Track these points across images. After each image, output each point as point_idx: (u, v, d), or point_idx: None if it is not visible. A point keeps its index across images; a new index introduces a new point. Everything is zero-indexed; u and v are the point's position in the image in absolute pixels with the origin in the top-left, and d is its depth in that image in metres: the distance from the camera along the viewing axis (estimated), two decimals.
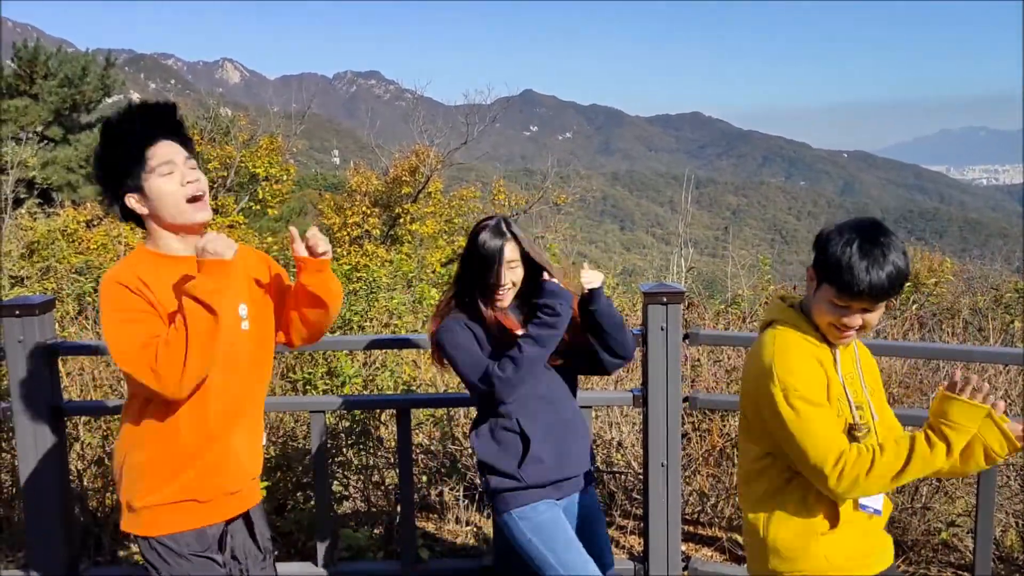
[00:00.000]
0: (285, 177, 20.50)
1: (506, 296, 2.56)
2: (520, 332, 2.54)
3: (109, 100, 24.05)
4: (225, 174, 18.72)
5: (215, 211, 16.57)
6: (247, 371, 2.25)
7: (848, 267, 1.92)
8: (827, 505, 2.07)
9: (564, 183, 25.11)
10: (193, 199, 2.13)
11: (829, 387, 2.04)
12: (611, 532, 4.18)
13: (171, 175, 2.12)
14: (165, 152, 2.13)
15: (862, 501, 2.08)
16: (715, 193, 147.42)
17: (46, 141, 21.05)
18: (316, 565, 3.50)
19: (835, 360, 2.07)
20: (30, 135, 20.24)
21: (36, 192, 17.92)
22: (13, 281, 8.17)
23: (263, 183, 19.71)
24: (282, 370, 4.98)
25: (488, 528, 4.08)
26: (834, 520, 2.07)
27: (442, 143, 22.15)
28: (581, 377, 5.08)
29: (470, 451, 4.33)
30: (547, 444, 2.53)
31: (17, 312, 3.23)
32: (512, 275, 2.54)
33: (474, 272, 2.54)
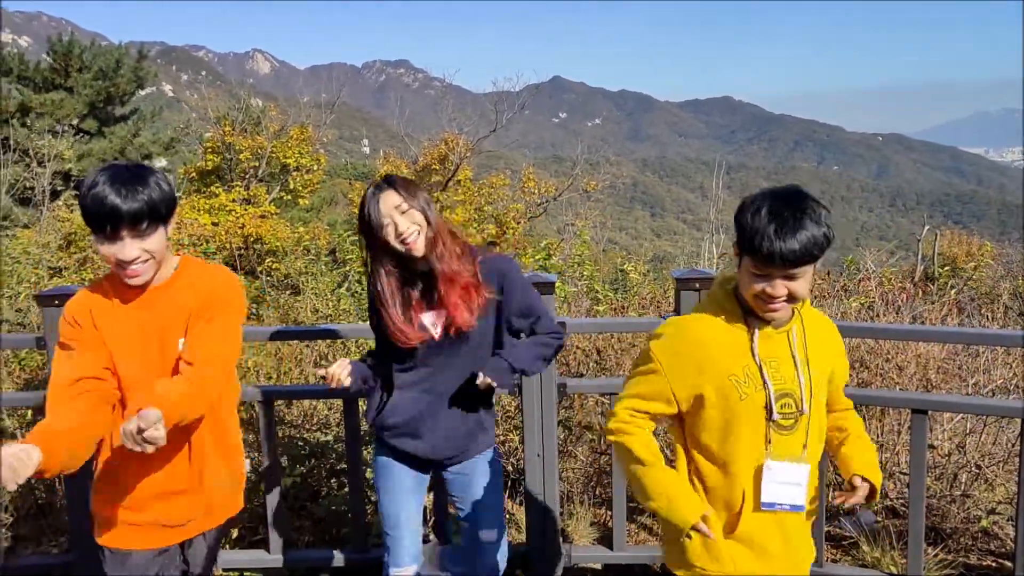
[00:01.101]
0: (316, 167, 20.63)
1: (416, 242, 2.39)
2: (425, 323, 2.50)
3: (142, 92, 24.38)
4: (256, 164, 18.88)
5: (247, 201, 16.78)
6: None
7: (760, 233, 1.87)
8: (723, 509, 2.06)
9: (594, 170, 25.00)
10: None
11: (744, 369, 2.00)
12: (644, 519, 4.17)
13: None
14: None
15: (767, 499, 2.01)
16: (746, 178, 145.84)
17: (81, 134, 21.39)
18: (347, 552, 3.54)
19: (752, 343, 2.00)
20: (66, 128, 20.58)
21: (72, 184, 18.22)
22: (52, 272, 8.32)
23: (294, 173, 19.86)
24: (315, 358, 5.03)
25: (520, 515, 4.09)
26: (732, 526, 2.05)
27: (471, 131, 22.16)
28: (611, 364, 5.04)
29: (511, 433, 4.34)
30: None
31: (57, 302, 3.28)
32: (407, 223, 2.38)
33: (371, 239, 2.45)
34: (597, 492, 4.27)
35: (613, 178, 27.90)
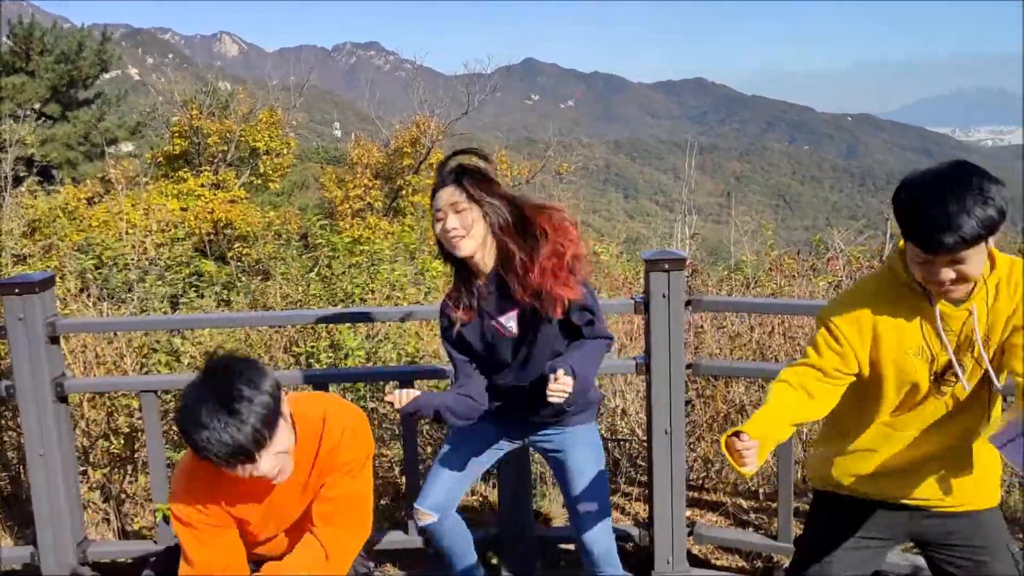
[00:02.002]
0: (286, 151, 20.38)
1: (460, 244, 2.39)
2: (502, 319, 2.49)
3: (106, 76, 23.92)
4: (225, 148, 18.62)
5: (216, 186, 16.56)
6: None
7: (917, 222, 1.81)
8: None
9: (567, 152, 24.94)
10: None
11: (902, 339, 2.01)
12: (616, 499, 4.21)
13: None
14: None
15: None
16: (719, 159, 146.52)
17: (44, 118, 20.97)
18: None
19: (935, 314, 1.98)
20: (28, 112, 20.15)
21: (36, 170, 17.88)
22: (15, 259, 8.14)
23: (264, 157, 19.61)
24: (285, 344, 4.99)
25: (494, 497, 4.10)
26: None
27: (443, 114, 21.98)
28: None
29: None
30: None
31: (17, 290, 3.22)
32: (457, 220, 2.38)
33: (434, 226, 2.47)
34: None
35: (586, 160, 27.87)
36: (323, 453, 2.14)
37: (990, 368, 2.00)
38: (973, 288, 1.94)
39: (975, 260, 1.85)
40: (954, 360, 2.00)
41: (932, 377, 2.04)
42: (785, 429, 2.03)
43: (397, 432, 4.26)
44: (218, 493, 2.13)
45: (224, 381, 1.94)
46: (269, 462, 1.97)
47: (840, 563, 2.23)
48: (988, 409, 2.07)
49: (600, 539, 2.69)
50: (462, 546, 2.82)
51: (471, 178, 2.41)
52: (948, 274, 1.86)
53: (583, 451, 2.64)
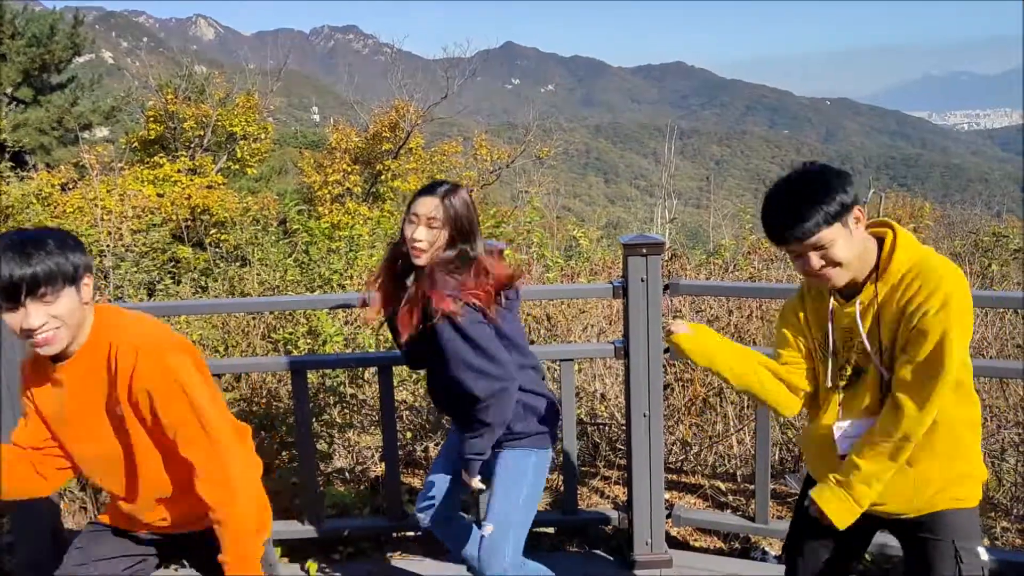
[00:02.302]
0: (264, 136, 20.19)
1: (420, 256, 2.48)
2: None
3: (80, 60, 23.51)
4: (201, 133, 18.41)
5: (193, 171, 16.39)
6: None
7: (764, 219, 2.01)
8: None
9: (547, 136, 24.89)
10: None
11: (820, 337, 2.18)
12: (595, 483, 4.23)
13: None
14: None
15: (841, 452, 2.13)
16: (699, 144, 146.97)
17: (16, 103, 20.61)
18: (302, 523, 3.52)
19: (828, 310, 2.14)
20: (0, 97, 19.82)
21: (8, 156, 17.57)
22: None
23: (241, 142, 19.41)
24: (263, 331, 4.96)
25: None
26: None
27: (422, 98, 21.84)
28: (562, 330, 5.07)
29: None
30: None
31: None
32: (425, 233, 2.46)
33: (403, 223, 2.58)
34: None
35: (566, 144, 27.89)
36: (119, 376, 2.06)
37: (878, 365, 2.06)
38: (865, 281, 2.05)
39: (838, 244, 1.96)
40: (829, 354, 2.14)
41: (830, 371, 2.16)
42: (740, 357, 2.22)
43: (376, 419, 4.25)
44: (32, 383, 2.15)
45: (40, 233, 1.99)
46: (38, 316, 1.95)
47: (825, 548, 2.26)
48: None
49: (475, 555, 2.63)
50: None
51: (457, 204, 2.49)
52: (815, 261, 1.99)
53: (503, 475, 2.63)
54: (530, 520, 2.67)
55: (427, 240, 2.46)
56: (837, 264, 1.99)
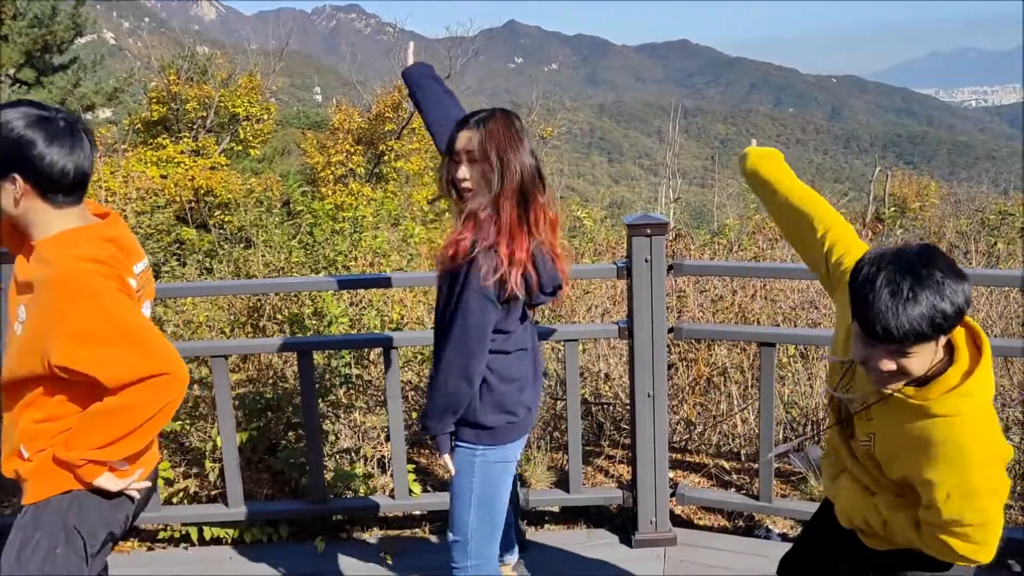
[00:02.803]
0: (266, 116, 20.13)
1: (470, 195, 2.22)
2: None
3: (82, 40, 23.41)
4: (204, 114, 18.37)
5: (196, 153, 16.36)
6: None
7: (867, 305, 1.68)
8: None
9: (550, 116, 24.81)
10: None
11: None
12: (600, 462, 4.25)
13: None
14: None
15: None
16: (704, 122, 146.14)
17: (19, 84, 20.56)
18: (310, 503, 3.56)
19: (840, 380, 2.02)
20: (2, 79, 19.77)
21: None
22: None
23: (244, 123, 19.36)
24: (269, 311, 4.98)
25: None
26: None
27: None
28: (566, 311, 5.08)
29: None
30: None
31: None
32: (468, 170, 2.21)
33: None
34: (554, 437, 4.34)
35: (570, 124, 27.78)
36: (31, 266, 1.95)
37: (854, 466, 2.03)
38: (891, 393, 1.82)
39: (919, 359, 1.72)
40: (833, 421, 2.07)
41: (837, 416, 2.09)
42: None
43: (381, 399, 4.28)
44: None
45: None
46: None
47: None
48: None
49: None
50: None
51: (494, 131, 2.21)
52: (888, 365, 1.73)
53: (455, 476, 2.45)
54: (494, 520, 2.48)
55: (472, 176, 2.21)
56: (905, 376, 1.75)
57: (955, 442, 1.73)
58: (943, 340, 1.73)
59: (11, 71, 20.41)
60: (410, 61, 2.87)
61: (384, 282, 3.53)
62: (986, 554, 1.80)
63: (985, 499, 1.75)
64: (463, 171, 2.21)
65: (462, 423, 2.36)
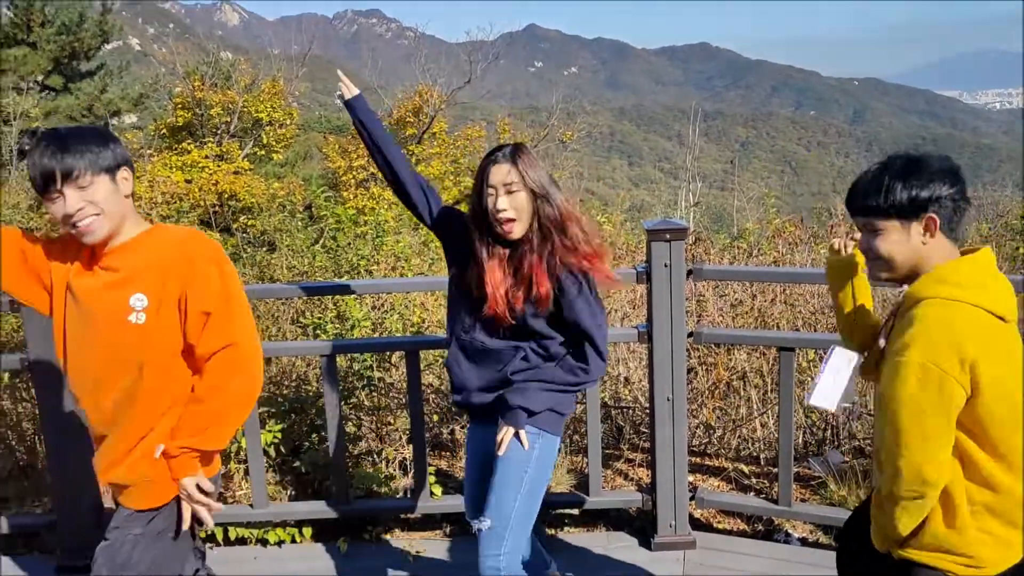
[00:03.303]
0: (289, 121, 20.32)
1: (512, 228, 2.34)
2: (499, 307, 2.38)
3: (108, 47, 23.76)
4: (228, 119, 18.57)
5: (220, 158, 16.54)
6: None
7: (855, 181, 1.92)
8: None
9: (570, 119, 24.82)
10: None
11: None
12: (619, 465, 4.28)
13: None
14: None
15: None
16: (724, 125, 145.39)
17: (47, 91, 20.89)
18: (332, 504, 3.61)
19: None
20: (31, 85, 20.08)
21: None
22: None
23: (267, 128, 19.55)
24: (293, 315, 5.05)
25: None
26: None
27: (445, 82, 21.86)
28: None
29: None
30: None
31: None
32: (509, 201, 2.33)
33: (475, 200, 2.41)
34: (573, 440, 4.36)
35: (590, 127, 27.78)
36: (161, 266, 2.08)
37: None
38: (901, 282, 1.92)
39: (888, 240, 1.85)
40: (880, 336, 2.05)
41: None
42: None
43: (403, 402, 4.33)
44: (63, 241, 2.19)
45: (79, 128, 2.09)
46: (74, 200, 2.02)
47: None
48: None
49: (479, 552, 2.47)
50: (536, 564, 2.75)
51: (527, 161, 2.37)
52: (865, 241, 1.90)
53: (503, 463, 2.45)
54: (533, 511, 2.50)
55: (512, 207, 2.33)
56: (877, 257, 1.89)
57: (918, 318, 1.78)
58: (917, 229, 1.81)
59: (39, 77, 20.74)
60: (350, 93, 2.71)
61: (344, 289, 3.69)
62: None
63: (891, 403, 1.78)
64: (503, 202, 2.33)
65: (535, 407, 2.44)
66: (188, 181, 13.61)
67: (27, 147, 2.07)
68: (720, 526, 3.75)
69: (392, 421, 4.35)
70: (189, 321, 2.08)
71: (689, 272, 3.37)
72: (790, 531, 3.64)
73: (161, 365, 2.11)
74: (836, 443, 4.23)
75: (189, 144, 16.80)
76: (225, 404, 2.10)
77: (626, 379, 4.66)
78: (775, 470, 3.78)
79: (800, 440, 4.29)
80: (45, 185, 2.03)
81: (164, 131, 18.88)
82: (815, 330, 4.69)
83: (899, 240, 1.84)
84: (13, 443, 4.37)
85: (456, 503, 3.67)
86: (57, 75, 21.19)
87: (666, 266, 3.26)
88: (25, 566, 3.57)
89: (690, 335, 3.46)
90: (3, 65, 19.83)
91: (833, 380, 2.20)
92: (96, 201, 2.04)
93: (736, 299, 4.97)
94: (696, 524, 3.69)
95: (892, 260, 1.86)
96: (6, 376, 4.36)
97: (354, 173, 18.81)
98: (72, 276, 2.15)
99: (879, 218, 1.84)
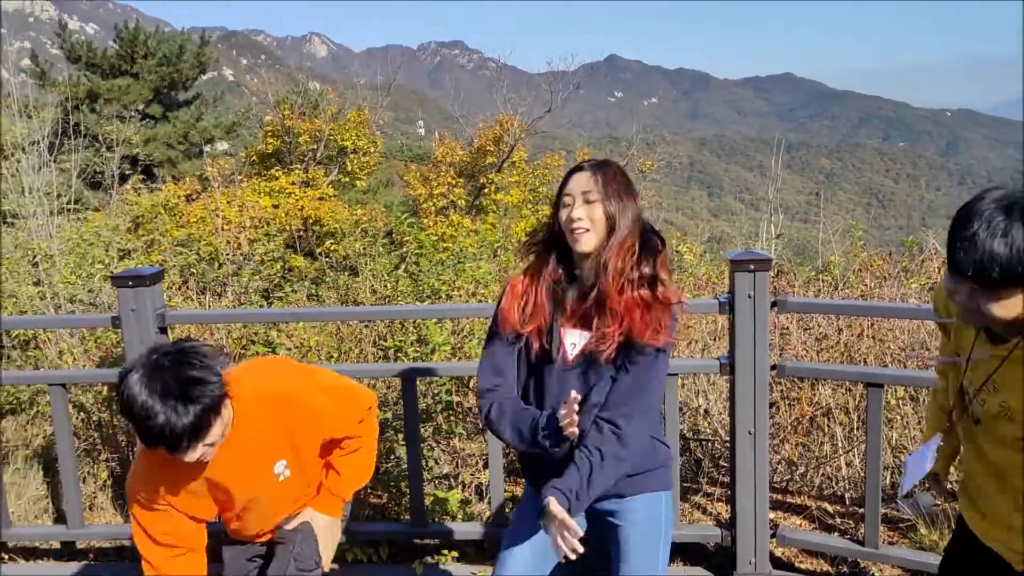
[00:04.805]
0: (372, 149, 20.84)
1: (583, 238, 2.12)
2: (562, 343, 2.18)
3: (204, 77, 24.90)
4: (315, 147, 19.16)
5: (306, 184, 17.06)
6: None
7: (952, 235, 1.60)
8: None
9: (650, 149, 24.77)
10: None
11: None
12: (698, 499, 4.20)
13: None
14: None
15: None
16: (808, 157, 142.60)
17: (147, 119, 21.97)
18: (409, 526, 3.64)
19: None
20: (132, 113, 21.16)
21: (139, 168, 18.77)
22: (121, 253, 8.61)
23: (351, 155, 20.09)
24: (374, 339, 5.15)
25: None
26: None
27: (526, 112, 22.10)
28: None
29: None
30: None
31: (130, 283, 3.44)
32: (585, 211, 2.12)
33: (555, 210, 2.21)
34: None
35: (670, 157, 27.58)
36: (275, 432, 2.30)
37: (977, 409, 1.87)
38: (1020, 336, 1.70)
39: (1006, 305, 1.60)
40: (964, 381, 1.91)
41: (959, 388, 1.96)
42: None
43: (480, 427, 4.35)
44: (170, 484, 2.23)
45: (188, 374, 1.98)
46: (197, 453, 2.05)
47: None
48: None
49: None
50: None
51: (610, 174, 2.18)
52: (971, 298, 1.64)
53: (636, 535, 2.25)
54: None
55: (588, 216, 2.12)
56: (988, 316, 1.65)
57: None
58: None
59: (140, 106, 21.84)
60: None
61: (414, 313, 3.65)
62: None
63: None
64: (578, 212, 2.13)
65: (660, 467, 2.31)
66: (275, 206, 14.06)
67: (127, 389, 1.98)
68: (802, 566, 3.64)
69: (469, 445, 4.38)
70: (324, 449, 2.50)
71: (773, 304, 3.32)
72: (876, 574, 3.51)
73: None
74: (926, 485, 4.07)
75: (277, 171, 17.38)
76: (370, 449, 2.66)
77: (706, 411, 4.59)
78: (860, 510, 3.66)
79: (887, 480, 4.14)
80: (170, 447, 2.01)
81: (254, 158, 19.59)
82: (904, 367, 4.54)
83: (1017, 304, 1.61)
84: (109, 454, 4.56)
85: None
86: (157, 104, 22.29)
87: (749, 297, 3.21)
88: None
89: (773, 368, 3.39)
90: (108, 95, 20.98)
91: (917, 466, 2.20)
92: (214, 442, 2.09)
93: (821, 333, 4.85)
94: (777, 563, 3.59)
95: (1005, 320, 1.64)
96: (105, 389, 4.56)
97: (434, 200, 19.13)
98: (209, 490, 2.31)
99: (1005, 288, 1.59)
